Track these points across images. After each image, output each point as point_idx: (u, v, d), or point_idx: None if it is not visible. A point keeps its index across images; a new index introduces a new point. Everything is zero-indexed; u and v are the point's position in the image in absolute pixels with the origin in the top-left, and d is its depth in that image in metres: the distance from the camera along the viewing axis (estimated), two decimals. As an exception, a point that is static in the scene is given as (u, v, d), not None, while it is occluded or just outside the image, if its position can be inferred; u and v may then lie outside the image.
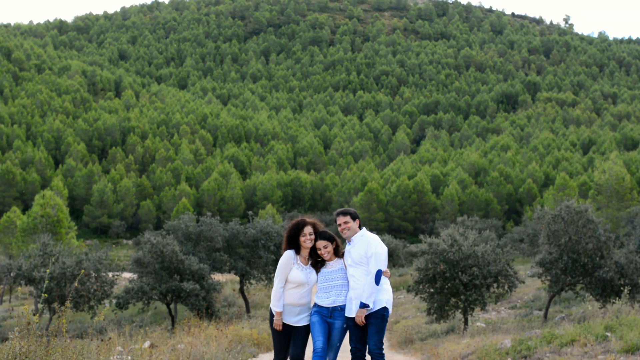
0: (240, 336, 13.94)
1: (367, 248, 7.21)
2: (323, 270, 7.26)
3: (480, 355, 10.99)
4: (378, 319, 7.14)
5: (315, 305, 7.34)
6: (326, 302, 7.18)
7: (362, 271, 7.16)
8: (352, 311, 7.14)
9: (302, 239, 7.17)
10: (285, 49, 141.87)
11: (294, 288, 7.15)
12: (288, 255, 7.18)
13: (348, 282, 7.20)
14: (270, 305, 7.32)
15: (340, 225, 7.32)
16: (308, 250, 7.28)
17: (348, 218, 7.31)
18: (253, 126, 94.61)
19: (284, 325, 7.20)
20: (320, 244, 7.16)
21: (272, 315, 7.32)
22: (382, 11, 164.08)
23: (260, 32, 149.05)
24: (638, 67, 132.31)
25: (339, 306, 7.20)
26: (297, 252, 7.22)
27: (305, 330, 7.28)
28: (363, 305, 7.09)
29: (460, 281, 17.52)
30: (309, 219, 7.27)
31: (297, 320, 7.21)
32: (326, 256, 7.18)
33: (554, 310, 21.68)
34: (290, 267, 7.13)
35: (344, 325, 7.20)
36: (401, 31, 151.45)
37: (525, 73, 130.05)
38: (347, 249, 7.35)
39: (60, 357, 6.00)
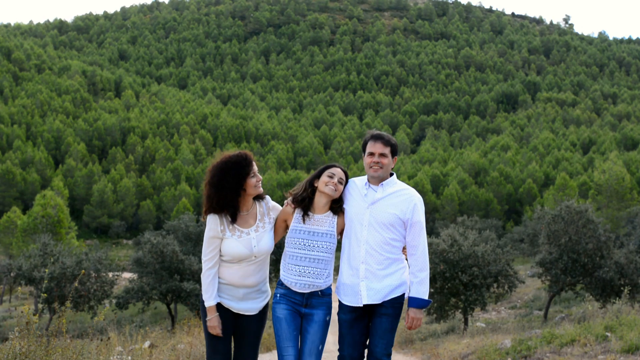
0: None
1: (412, 210, 4.57)
2: (306, 223, 4.55)
3: (480, 355, 10.98)
4: (396, 309, 4.52)
5: (281, 285, 4.57)
6: (299, 284, 4.49)
7: (387, 239, 4.51)
8: (361, 298, 4.49)
9: (250, 181, 4.47)
10: (285, 49, 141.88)
11: (231, 263, 4.52)
12: (212, 221, 4.47)
13: (333, 254, 4.57)
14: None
15: (372, 155, 4.60)
16: (250, 203, 4.56)
17: (388, 150, 4.65)
18: (253, 126, 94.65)
19: (224, 311, 4.56)
20: (335, 170, 4.59)
21: (204, 310, 4.57)
22: (382, 11, 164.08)
23: (260, 32, 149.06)
24: (638, 67, 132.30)
25: (320, 290, 4.53)
26: (234, 211, 4.48)
27: (257, 322, 4.63)
28: (422, 304, 4.47)
29: (460, 281, 17.53)
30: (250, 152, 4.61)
31: (243, 307, 4.57)
32: (332, 191, 4.54)
33: (554, 310, 21.68)
34: (218, 236, 4.48)
35: (328, 317, 4.56)
36: (401, 31, 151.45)
37: (525, 73, 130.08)
38: (367, 196, 4.61)
39: (60, 357, 6.00)
